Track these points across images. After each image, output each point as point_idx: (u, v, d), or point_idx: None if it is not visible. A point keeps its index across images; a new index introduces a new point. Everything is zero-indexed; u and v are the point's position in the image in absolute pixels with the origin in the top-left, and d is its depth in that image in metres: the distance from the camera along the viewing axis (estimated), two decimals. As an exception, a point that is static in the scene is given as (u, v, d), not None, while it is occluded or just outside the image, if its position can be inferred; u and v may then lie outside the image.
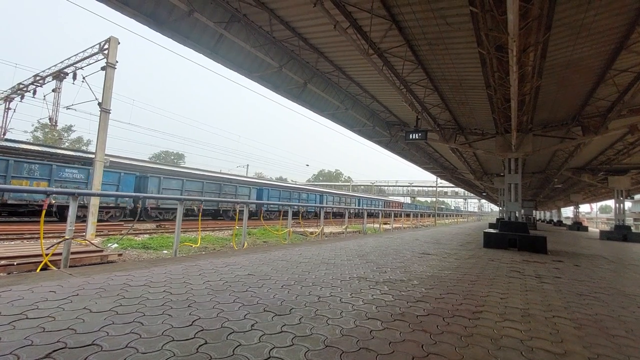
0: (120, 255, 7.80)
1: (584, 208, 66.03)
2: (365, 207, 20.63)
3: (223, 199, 18.49)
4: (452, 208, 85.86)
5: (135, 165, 23.06)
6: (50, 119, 17.78)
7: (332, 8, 5.79)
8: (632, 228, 17.18)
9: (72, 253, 5.44)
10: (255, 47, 7.45)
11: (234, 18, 6.99)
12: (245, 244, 7.52)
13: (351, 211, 29.69)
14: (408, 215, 28.78)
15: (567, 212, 48.86)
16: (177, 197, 8.06)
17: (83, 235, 10.05)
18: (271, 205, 24.94)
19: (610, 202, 40.69)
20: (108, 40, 11.61)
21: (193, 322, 2.32)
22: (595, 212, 79.29)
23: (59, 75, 16.09)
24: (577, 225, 28.15)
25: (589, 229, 31.37)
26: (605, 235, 16.70)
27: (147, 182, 18.10)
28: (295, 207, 25.63)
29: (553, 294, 3.87)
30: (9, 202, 13.31)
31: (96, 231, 10.94)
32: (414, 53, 7.35)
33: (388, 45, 7.07)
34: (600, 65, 7.18)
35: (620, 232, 16.04)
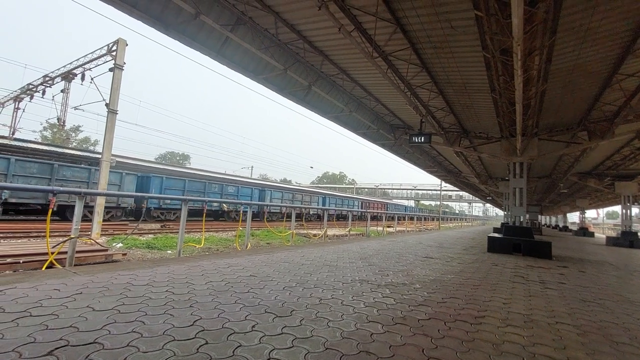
0: (124, 254, 7.85)
1: (591, 213, 65.19)
2: (322, 207, 16.98)
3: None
4: (457, 212, 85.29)
5: (140, 166, 23.23)
6: (58, 119, 18.05)
7: (337, 11, 5.83)
8: (639, 234, 16.96)
9: (77, 252, 5.48)
10: (260, 49, 7.50)
11: (240, 21, 7.06)
12: (249, 245, 7.55)
13: (311, 212, 27.78)
14: (412, 219, 28.56)
15: (573, 217, 48.32)
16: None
17: (88, 234, 10.14)
18: (167, 201, 18.15)
19: (617, 208, 40.19)
20: (116, 42, 11.77)
21: (194, 322, 2.34)
22: (601, 218, 78.40)
23: (68, 76, 16.32)
24: (583, 231, 27.85)
25: (595, 234, 30.99)
26: (611, 241, 16.51)
27: None
28: (216, 204, 19.36)
29: (557, 300, 3.83)
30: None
31: (101, 230, 11.03)
32: (419, 56, 7.35)
33: (392, 49, 7.08)
34: (607, 69, 7.13)
35: (626, 239, 15.84)
